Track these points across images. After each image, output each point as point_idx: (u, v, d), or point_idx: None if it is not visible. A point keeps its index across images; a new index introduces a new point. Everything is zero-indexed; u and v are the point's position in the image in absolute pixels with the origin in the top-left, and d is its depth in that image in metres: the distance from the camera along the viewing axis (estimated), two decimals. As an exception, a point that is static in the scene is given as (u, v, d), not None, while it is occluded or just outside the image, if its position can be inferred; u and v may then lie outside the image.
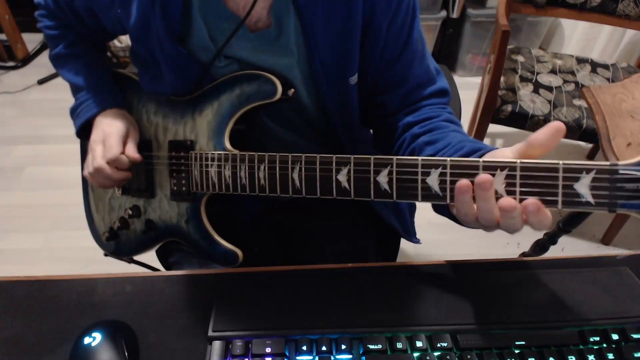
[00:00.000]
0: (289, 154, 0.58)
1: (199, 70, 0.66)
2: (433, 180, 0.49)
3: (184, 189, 0.68)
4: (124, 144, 0.69)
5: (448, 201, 0.49)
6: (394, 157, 0.51)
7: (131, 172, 0.71)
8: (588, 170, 0.42)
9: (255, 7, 0.61)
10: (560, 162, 0.43)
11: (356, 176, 0.54)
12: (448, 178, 0.48)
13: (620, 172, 0.41)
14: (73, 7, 0.72)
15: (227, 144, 0.65)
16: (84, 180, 0.85)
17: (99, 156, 0.68)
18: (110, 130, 0.69)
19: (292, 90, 0.64)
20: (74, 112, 0.76)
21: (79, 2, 0.70)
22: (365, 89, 0.70)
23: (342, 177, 0.54)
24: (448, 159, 0.48)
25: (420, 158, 0.49)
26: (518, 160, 0.45)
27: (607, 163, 0.42)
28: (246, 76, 0.64)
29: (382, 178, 0.52)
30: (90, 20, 0.72)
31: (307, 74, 0.67)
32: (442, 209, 0.59)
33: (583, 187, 0.42)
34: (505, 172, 0.45)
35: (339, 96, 0.68)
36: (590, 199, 0.42)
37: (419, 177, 0.50)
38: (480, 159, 0.47)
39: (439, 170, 0.49)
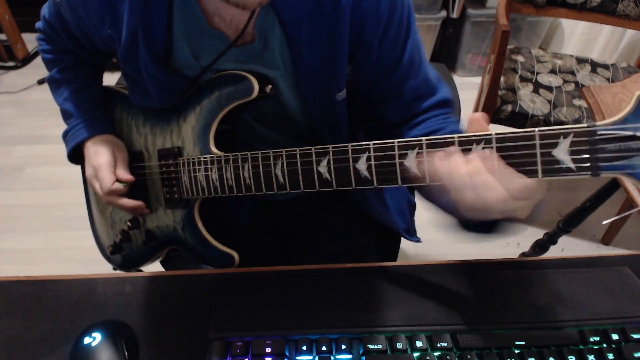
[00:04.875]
0: (270, 150, 0.58)
1: (184, 85, 0.66)
2: (411, 162, 0.49)
3: (176, 196, 0.69)
4: (115, 169, 0.71)
5: (427, 181, 0.48)
6: (371, 143, 0.51)
7: (142, 202, 0.73)
8: (565, 135, 0.40)
9: (241, 21, 0.61)
10: (536, 129, 0.41)
11: (336, 166, 0.54)
12: (425, 158, 0.48)
13: (600, 132, 0.39)
14: (68, 30, 0.72)
15: (213, 147, 0.65)
16: (88, 198, 0.86)
17: (99, 191, 0.71)
18: (98, 163, 0.70)
19: (270, 86, 0.63)
20: (65, 137, 0.77)
21: (73, 26, 0.70)
22: (360, 101, 0.70)
23: (322, 168, 0.55)
24: (423, 138, 0.48)
25: (396, 141, 0.49)
26: (493, 132, 0.44)
27: (585, 125, 0.40)
28: (223, 77, 0.64)
29: (362, 165, 0.52)
30: (85, 41, 0.72)
31: (293, 88, 0.66)
32: (446, 209, 0.58)
33: (562, 152, 0.41)
34: (481, 145, 0.45)
35: (326, 111, 0.67)
36: (571, 165, 0.41)
37: (397, 160, 0.49)
38: (455, 135, 0.46)
39: (415, 150, 0.48)
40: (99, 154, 0.71)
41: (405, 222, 0.91)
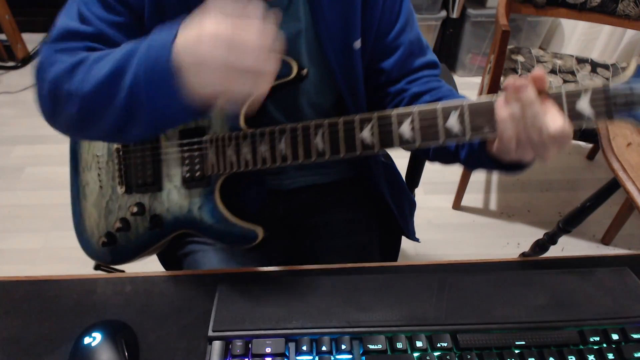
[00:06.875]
0: (311, 121, 0.62)
1: None
2: (453, 122, 0.56)
3: (197, 174, 0.69)
4: None
5: (468, 139, 0.56)
6: (415, 108, 0.57)
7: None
8: (585, 92, 0.51)
9: None
10: (562, 86, 0.52)
11: (380, 130, 0.59)
12: (467, 118, 0.55)
13: (611, 89, 0.50)
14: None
15: (242, 124, 0.66)
16: (76, 188, 0.84)
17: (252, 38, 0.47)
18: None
19: (305, 69, 0.66)
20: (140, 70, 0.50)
21: None
22: (366, 55, 0.74)
23: (366, 133, 0.59)
24: (464, 101, 0.55)
25: (439, 105, 0.56)
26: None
27: (600, 84, 0.50)
28: None
29: (405, 128, 0.58)
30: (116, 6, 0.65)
31: (313, 42, 0.70)
32: (476, 161, 0.64)
33: (583, 105, 0.51)
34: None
35: (344, 61, 0.71)
36: (591, 115, 0.51)
37: (440, 122, 0.56)
38: (495, 95, 0.54)
39: (458, 111, 0.55)
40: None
41: (405, 221, 0.91)
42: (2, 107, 2.28)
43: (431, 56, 0.78)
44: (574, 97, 0.52)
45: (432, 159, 0.75)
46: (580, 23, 2.15)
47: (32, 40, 2.57)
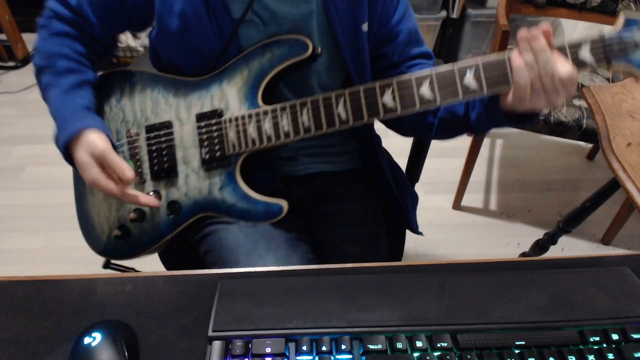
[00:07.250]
0: (330, 92, 0.65)
1: (229, 26, 0.69)
2: (470, 80, 0.60)
3: (218, 154, 0.70)
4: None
5: (486, 93, 0.61)
6: (432, 70, 0.61)
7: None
8: (585, 42, 0.58)
9: None
10: (565, 40, 0.59)
11: (401, 94, 0.62)
12: (482, 74, 0.60)
13: (607, 37, 0.58)
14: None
15: (261, 102, 0.68)
16: (81, 187, 0.84)
17: (113, 189, 0.69)
18: (105, 148, 0.69)
19: (320, 48, 0.69)
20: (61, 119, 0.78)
21: None
22: (371, 39, 0.77)
23: (387, 97, 0.63)
24: (479, 59, 0.60)
25: (455, 65, 0.60)
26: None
27: (597, 34, 0.58)
28: (276, 42, 0.69)
29: (425, 89, 0.61)
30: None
31: (324, 24, 0.72)
32: (488, 119, 0.67)
33: (585, 53, 0.58)
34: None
35: (353, 43, 0.73)
36: (592, 62, 0.58)
37: (457, 81, 0.60)
38: (504, 52, 0.60)
39: (473, 69, 0.60)
40: (102, 139, 0.69)
41: (409, 214, 0.92)
42: (2, 107, 2.28)
43: (427, 48, 0.82)
44: (575, 47, 0.59)
45: (435, 135, 0.77)
46: (580, 23, 2.14)
47: (32, 40, 2.56)
